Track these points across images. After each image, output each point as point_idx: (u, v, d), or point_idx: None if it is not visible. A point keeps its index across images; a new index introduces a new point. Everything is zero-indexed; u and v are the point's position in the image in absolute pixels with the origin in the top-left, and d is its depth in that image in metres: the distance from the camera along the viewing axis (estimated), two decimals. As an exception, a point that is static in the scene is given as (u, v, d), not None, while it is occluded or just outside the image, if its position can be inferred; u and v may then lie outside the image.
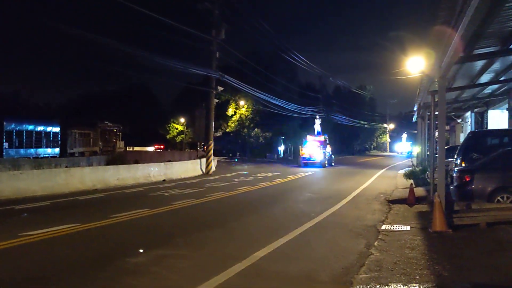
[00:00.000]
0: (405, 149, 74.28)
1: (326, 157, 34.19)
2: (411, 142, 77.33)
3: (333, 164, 35.94)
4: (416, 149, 75.07)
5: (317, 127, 37.98)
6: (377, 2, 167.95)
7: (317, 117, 39.16)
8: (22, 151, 34.47)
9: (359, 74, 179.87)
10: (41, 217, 10.88)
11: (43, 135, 37.49)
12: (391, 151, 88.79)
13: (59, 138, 40.15)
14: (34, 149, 36.16)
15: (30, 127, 35.98)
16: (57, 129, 39.86)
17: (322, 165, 32.75)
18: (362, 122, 75.21)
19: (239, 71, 38.53)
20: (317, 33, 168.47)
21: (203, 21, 27.17)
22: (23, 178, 15.10)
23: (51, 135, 38.75)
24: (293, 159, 50.39)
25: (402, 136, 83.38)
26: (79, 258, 6.98)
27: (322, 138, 35.46)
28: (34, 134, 36.30)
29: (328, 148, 35.70)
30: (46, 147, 37.77)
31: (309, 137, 35.14)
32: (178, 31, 22.26)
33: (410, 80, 26.28)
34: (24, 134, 34.99)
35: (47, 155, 37.09)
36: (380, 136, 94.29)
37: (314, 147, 33.49)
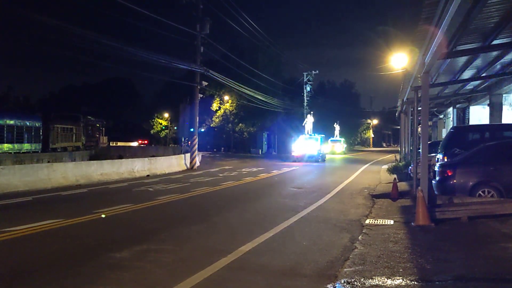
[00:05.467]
0: (309, 150, 35.25)
1: None
2: (321, 136, 39.61)
3: None
4: (340, 147, 54.60)
5: None
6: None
7: None
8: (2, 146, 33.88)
9: (344, 69, 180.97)
10: (23, 213, 10.74)
11: (24, 130, 36.89)
12: (279, 152, 51.43)
13: (41, 133, 39.56)
14: (16, 144, 35.59)
15: (11, 122, 35.39)
16: (39, 124, 39.28)
17: None
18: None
19: (224, 66, 38.47)
20: (302, 27, 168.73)
21: (187, 15, 27.02)
22: (4, 173, 14.86)
23: (33, 130, 38.13)
24: (277, 154, 50.50)
25: (304, 123, 41.08)
26: (63, 253, 6.91)
27: None
28: (15, 129, 35.70)
29: None
30: (28, 142, 37.19)
31: None
32: (162, 25, 22.18)
33: (394, 76, 26.57)
34: (5, 129, 34.39)
35: (29, 150, 36.55)
36: (364, 132, 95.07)
37: None
